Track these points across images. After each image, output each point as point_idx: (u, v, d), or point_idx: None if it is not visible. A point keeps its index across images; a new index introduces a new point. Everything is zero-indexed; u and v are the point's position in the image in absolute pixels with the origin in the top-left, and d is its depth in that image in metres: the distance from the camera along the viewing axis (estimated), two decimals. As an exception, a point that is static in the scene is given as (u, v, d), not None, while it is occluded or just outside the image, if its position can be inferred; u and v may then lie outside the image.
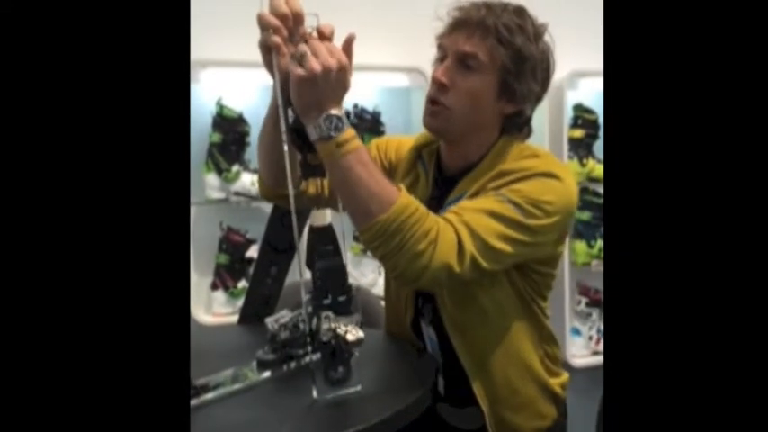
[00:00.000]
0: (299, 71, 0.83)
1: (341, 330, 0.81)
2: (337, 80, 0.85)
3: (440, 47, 1.06)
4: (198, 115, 2.01)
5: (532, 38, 1.02)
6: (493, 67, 1.01)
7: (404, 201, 0.87)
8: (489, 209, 0.93)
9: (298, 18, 0.86)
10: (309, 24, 0.87)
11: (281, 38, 0.86)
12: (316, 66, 0.83)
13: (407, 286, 1.07)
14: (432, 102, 1.03)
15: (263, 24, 0.86)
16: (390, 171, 1.20)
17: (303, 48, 0.84)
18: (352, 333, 0.81)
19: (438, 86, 1.02)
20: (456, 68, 1.01)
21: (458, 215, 0.91)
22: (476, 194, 1.00)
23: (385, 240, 0.86)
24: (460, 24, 1.02)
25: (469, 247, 0.89)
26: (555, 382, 1.14)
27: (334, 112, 0.85)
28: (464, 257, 0.89)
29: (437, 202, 1.10)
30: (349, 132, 0.86)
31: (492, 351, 1.06)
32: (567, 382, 1.18)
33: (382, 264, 0.94)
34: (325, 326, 0.82)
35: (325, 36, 0.88)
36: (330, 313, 0.83)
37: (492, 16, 1.00)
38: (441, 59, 1.05)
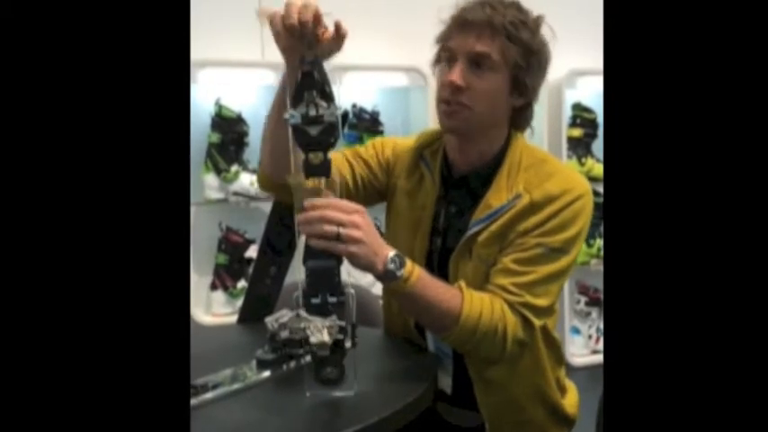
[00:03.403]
0: (351, 249, 0.86)
1: (309, 331, 0.81)
2: (370, 225, 0.89)
3: (445, 48, 1.05)
4: (196, 115, 2.01)
5: (534, 31, 1.04)
6: (505, 64, 1.02)
7: (467, 309, 0.96)
8: (544, 275, 1.00)
9: (304, 27, 0.86)
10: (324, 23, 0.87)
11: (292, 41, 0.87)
12: (356, 233, 0.86)
13: None
14: (446, 102, 1.03)
15: (273, 30, 0.88)
16: (387, 169, 1.20)
17: (331, 230, 0.85)
18: (316, 336, 0.80)
19: (453, 88, 1.02)
20: (469, 69, 1.02)
21: (518, 296, 0.99)
22: (504, 219, 1.02)
23: (462, 344, 1.00)
24: (467, 25, 1.02)
25: (536, 322, 1.00)
26: (567, 404, 1.16)
27: (390, 253, 0.91)
28: (533, 331, 1.01)
29: (447, 201, 1.11)
30: (409, 264, 0.93)
31: (496, 365, 1.07)
32: (578, 401, 1.19)
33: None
34: (295, 325, 0.81)
35: (339, 34, 0.89)
36: (302, 312, 0.82)
37: (497, 15, 1.01)
38: (447, 61, 1.04)
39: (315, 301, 0.82)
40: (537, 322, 1.00)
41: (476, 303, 0.97)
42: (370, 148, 1.22)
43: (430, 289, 0.95)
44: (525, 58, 1.02)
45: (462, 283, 0.99)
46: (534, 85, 1.06)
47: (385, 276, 0.92)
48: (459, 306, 0.96)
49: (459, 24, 1.02)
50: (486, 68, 1.02)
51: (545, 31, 1.06)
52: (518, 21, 1.02)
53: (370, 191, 1.16)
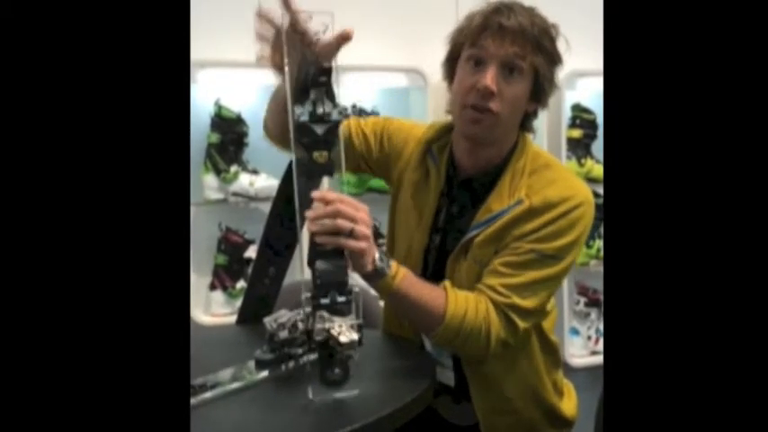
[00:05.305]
0: (361, 245, 0.87)
1: (335, 331, 0.81)
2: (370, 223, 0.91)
3: (476, 49, 1.02)
4: (196, 116, 2.00)
5: (554, 39, 1.04)
6: (531, 71, 1.02)
7: (452, 308, 0.98)
8: (533, 279, 1.00)
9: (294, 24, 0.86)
10: (323, 22, 0.87)
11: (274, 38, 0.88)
12: (366, 230, 0.88)
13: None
14: (474, 108, 1.02)
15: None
16: (381, 150, 1.19)
17: (346, 225, 0.85)
18: (346, 335, 0.81)
19: (485, 93, 1.01)
20: (500, 75, 1.01)
21: (505, 297, 1.00)
22: (502, 222, 1.02)
23: (447, 342, 1.01)
24: (502, 30, 1.00)
25: (521, 324, 1.01)
26: (564, 406, 1.16)
27: (377, 253, 0.93)
28: (517, 332, 1.02)
29: (449, 200, 1.11)
30: (394, 264, 0.96)
31: (490, 362, 1.07)
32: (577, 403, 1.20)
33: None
34: (319, 326, 0.82)
35: (345, 39, 0.87)
36: (325, 313, 0.82)
37: (526, 20, 1.00)
38: (475, 64, 1.03)
39: (324, 301, 0.83)
40: (522, 324, 1.00)
41: (460, 303, 0.97)
42: (371, 125, 1.21)
43: (415, 288, 0.96)
44: (549, 66, 1.03)
45: (447, 283, 1.00)
46: (550, 93, 1.07)
47: (373, 275, 0.93)
48: (444, 306, 0.97)
49: (493, 29, 1.00)
50: (516, 74, 1.01)
51: (560, 40, 1.06)
52: (543, 29, 1.02)
53: (359, 161, 1.18)
